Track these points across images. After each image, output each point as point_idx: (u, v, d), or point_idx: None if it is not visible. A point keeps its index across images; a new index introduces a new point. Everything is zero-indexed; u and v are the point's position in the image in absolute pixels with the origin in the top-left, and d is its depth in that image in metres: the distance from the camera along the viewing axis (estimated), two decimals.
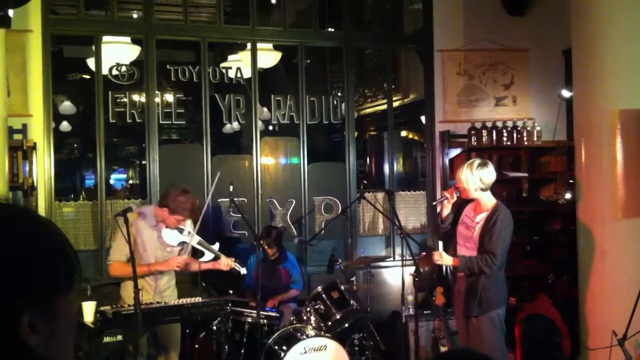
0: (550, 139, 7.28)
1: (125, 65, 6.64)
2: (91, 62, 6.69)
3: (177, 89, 7.21)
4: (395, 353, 6.16)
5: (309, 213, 7.10)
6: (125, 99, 6.55)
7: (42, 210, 5.96)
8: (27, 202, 5.71)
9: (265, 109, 7.51)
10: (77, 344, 4.37)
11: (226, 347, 5.21)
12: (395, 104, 8.16)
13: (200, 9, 8.08)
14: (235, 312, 5.49)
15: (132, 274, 4.53)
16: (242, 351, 5.41)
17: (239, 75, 6.95)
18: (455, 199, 4.95)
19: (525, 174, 7.15)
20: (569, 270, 6.03)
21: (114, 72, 6.55)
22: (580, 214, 5.72)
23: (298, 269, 6.46)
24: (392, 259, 7.09)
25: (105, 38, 6.61)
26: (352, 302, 5.62)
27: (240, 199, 6.54)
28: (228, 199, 5.98)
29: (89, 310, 4.58)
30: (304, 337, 5.17)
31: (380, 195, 7.21)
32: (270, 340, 5.26)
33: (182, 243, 4.98)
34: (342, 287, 5.68)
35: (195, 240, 5.00)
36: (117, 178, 12.30)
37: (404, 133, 10.52)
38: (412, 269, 5.41)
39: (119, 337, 4.47)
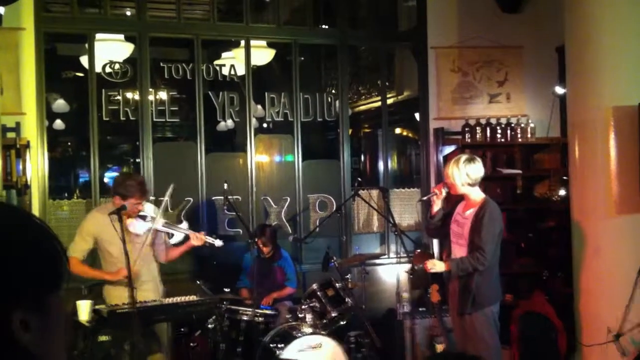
0: (544, 136, 7.29)
1: (119, 63, 6.62)
2: (84, 60, 6.66)
3: (171, 87, 7.19)
4: (391, 350, 6.16)
5: (304, 211, 7.10)
6: (118, 97, 6.53)
7: (36, 209, 5.95)
8: (21, 201, 5.70)
9: (259, 107, 7.50)
10: (72, 342, 4.36)
11: (222, 345, 5.20)
12: (389, 101, 8.17)
13: (193, 6, 8.05)
14: (231, 310, 5.48)
15: (87, 274, 4.61)
16: (238, 349, 5.40)
17: (232, 72, 6.93)
18: (444, 195, 5.03)
19: (520, 171, 7.16)
20: (564, 267, 6.05)
21: (108, 69, 6.52)
22: (574, 210, 5.74)
23: (293, 267, 6.46)
24: (387, 256, 7.09)
25: (98, 36, 6.58)
26: (347, 300, 5.62)
27: (234, 196, 6.53)
28: (222, 197, 5.98)
29: (84, 309, 4.56)
30: (300, 334, 5.17)
31: (374, 193, 7.21)
32: (266, 338, 5.26)
33: (149, 229, 4.96)
34: (337, 284, 5.68)
35: (160, 223, 4.99)
36: (111, 176, 12.26)
37: (398, 130, 10.53)
38: (407, 266, 5.42)
39: (111, 338, 4.47)
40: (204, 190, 6.68)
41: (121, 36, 6.88)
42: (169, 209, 6.47)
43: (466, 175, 4.82)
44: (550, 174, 7.11)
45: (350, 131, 7.47)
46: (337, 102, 7.25)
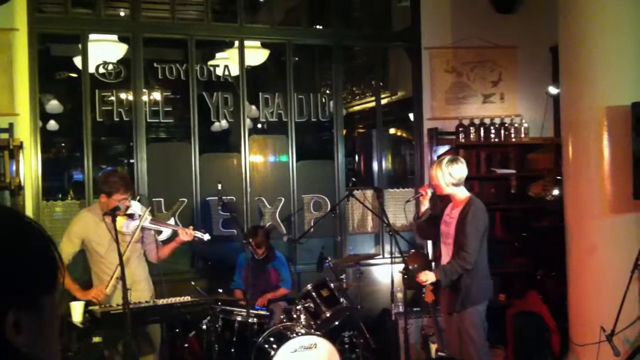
0: (538, 136, 7.30)
1: (113, 63, 6.61)
2: (78, 61, 6.64)
3: (165, 87, 7.18)
4: (385, 350, 6.17)
5: (298, 211, 7.10)
6: (112, 98, 6.51)
7: (29, 210, 5.93)
8: (15, 202, 5.68)
9: (253, 107, 7.50)
10: (66, 344, 4.35)
11: (216, 346, 5.20)
12: (383, 102, 8.16)
13: (187, 6, 8.04)
14: (225, 311, 5.48)
15: (66, 285, 4.60)
16: (232, 350, 5.40)
17: (227, 73, 6.93)
18: (429, 195, 5.16)
19: (514, 171, 7.18)
20: (558, 266, 6.06)
21: (101, 70, 6.51)
22: (568, 210, 5.76)
23: (287, 268, 6.46)
24: (381, 256, 7.10)
25: (92, 36, 6.57)
26: (342, 300, 5.62)
27: (229, 197, 6.53)
28: (217, 198, 5.97)
29: (77, 310, 4.56)
30: (294, 335, 5.17)
31: (369, 193, 7.21)
32: (260, 339, 5.26)
33: (136, 227, 4.96)
34: (332, 285, 5.69)
35: (147, 220, 4.98)
36: None
37: (392, 130, 10.53)
38: (401, 266, 5.43)
39: (101, 339, 4.46)
40: (198, 191, 6.68)
41: (115, 37, 6.87)
42: (163, 209, 6.47)
43: (449, 175, 4.92)
44: (544, 173, 7.12)
45: (344, 131, 7.47)
46: (332, 102, 7.26)
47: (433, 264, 6.08)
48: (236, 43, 7.01)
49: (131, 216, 4.89)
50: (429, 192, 5.13)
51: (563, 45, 5.79)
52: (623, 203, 5.32)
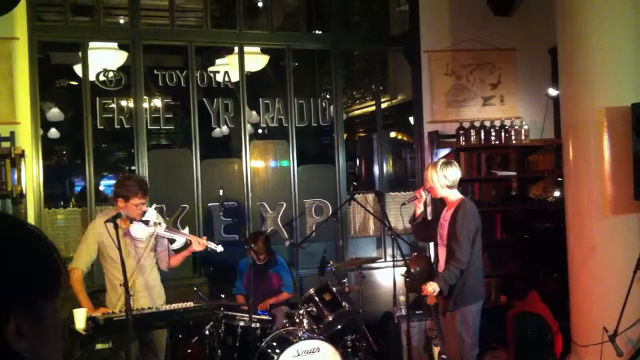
0: (538, 138, 7.32)
1: (113, 71, 6.63)
2: (78, 69, 6.67)
3: (165, 94, 7.19)
4: (388, 354, 6.17)
5: (300, 216, 7.11)
6: (113, 105, 6.53)
7: (31, 218, 5.94)
8: (16, 210, 5.69)
9: (254, 113, 7.51)
10: (68, 351, 4.35)
11: (219, 351, 5.20)
12: (383, 105, 8.18)
13: (187, 13, 8.07)
14: (228, 316, 5.49)
15: (78, 297, 4.60)
16: (235, 355, 5.40)
17: (227, 79, 6.95)
18: (424, 197, 5.27)
19: (514, 173, 7.18)
20: (559, 267, 6.06)
21: (102, 78, 6.53)
22: (569, 211, 5.76)
23: (289, 273, 6.46)
24: (383, 260, 7.10)
25: (92, 44, 6.59)
26: (344, 304, 5.63)
27: (230, 202, 6.54)
28: (218, 203, 5.98)
29: (80, 317, 4.55)
30: (297, 339, 5.17)
31: (370, 197, 7.22)
32: (263, 344, 5.26)
33: (151, 234, 4.96)
34: (334, 289, 5.69)
35: (162, 228, 4.98)
36: (106, 184, 12.27)
37: (393, 134, 10.55)
38: (403, 269, 5.45)
39: (111, 344, 4.45)
40: (200, 197, 6.69)
41: (115, 44, 6.89)
42: (165, 216, 6.48)
43: (444, 177, 5.02)
44: (544, 175, 7.14)
45: (345, 136, 7.49)
46: (332, 106, 7.27)
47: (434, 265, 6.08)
48: (236, 49, 7.03)
49: (146, 222, 4.89)
50: (424, 194, 5.25)
51: (562, 47, 5.80)
52: (624, 204, 5.33)
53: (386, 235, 7.07)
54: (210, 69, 7.23)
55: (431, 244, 6.73)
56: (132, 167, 7.20)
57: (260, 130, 8.27)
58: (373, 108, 7.95)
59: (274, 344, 5.24)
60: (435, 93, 7.34)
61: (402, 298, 6.17)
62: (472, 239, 4.92)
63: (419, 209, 5.32)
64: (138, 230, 4.89)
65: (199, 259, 6.77)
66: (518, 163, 7.26)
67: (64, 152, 11.39)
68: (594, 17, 5.46)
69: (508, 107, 7.49)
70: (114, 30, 7.05)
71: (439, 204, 5.44)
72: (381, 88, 8.26)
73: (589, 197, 5.51)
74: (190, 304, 4.84)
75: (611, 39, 5.39)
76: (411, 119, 7.81)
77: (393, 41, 8.02)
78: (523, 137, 7.16)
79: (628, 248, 5.19)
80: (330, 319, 5.51)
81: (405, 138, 10.27)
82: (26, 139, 6.00)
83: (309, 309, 5.49)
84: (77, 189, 10.67)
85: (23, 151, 5.82)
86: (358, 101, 10.26)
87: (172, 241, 5.12)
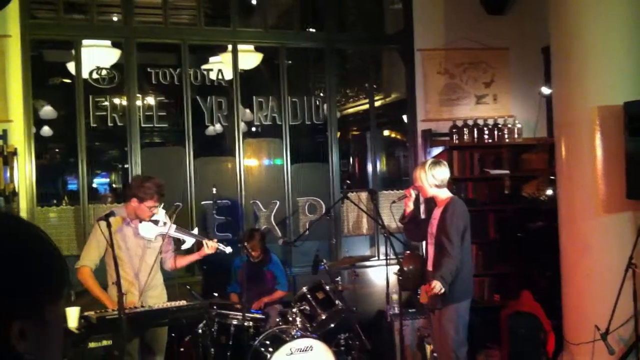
0: (531, 136, 7.33)
1: (106, 68, 6.62)
2: (71, 66, 6.65)
3: (159, 92, 7.18)
4: (381, 352, 6.18)
5: (293, 214, 7.11)
6: (106, 103, 6.52)
7: (24, 216, 5.92)
8: (9, 208, 5.67)
9: (247, 111, 7.51)
10: (62, 350, 4.34)
11: (212, 350, 5.20)
12: (377, 104, 8.19)
13: (180, 11, 8.04)
14: (221, 314, 5.48)
15: (92, 291, 4.58)
16: (228, 354, 5.39)
17: (220, 77, 6.94)
18: (413, 197, 5.38)
19: (507, 172, 7.19)
20: (552, 266, 6.08)
21: (95, 75, 6.52)
22: (562, 210, 5.78)
23: (282, 271, 6.46)
24: (376, 258, 7.11)
25: (85, 42, 6.57)
26: (337, 302, 5.63)
27: (224, 200, 6.54)
28: (211, 201, 5.97)
29: (72, 315, 4.54)
30: (290, 338, 5.18)
31: (363, 195, 7.23)
32: (256, 342, 5.25)
33: (160, 235, 4.95)
34: (327, 287, 5.69)
35: (172, 228, 4.97)
36: (99, 182, 12.25)
37: (386, 132, 10.55)
38: (396, 268, 5.46)
39: (104, 343, 4.43)
40: (193, 195, 6.68)
41: (108, 42, 6.87)
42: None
43: (432, 176, 5.09)
44: (537, 174, 7.15)
45: (338, 134, 7.49)
46: (325, 105, 7.27)
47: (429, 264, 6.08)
48: (229, 47, 7.02)
49: (155, 222, 4.88)
50: (413, 193, 5.33)
51: (554, 46, 5.81)
52: (616, 202, 5.35)
53: (379, 234, 7.08)
54: (204, 67, 7.22)
55: (424, 243, 6.77)
56: (126, 165, 7.19)
57: (253, 129, 8.26)
58: (367, 106, 7.95)
59: (267, 342, 5.24)
60: (429, 91, 7.35)
61: (395, 296, 6.18)
62: (462, 237, 4.97)
63: (409, 208, 5.39)
64: (147, 229, 4.89)
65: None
66: (511, 162, 7.27)
67: (57, 150, 11.36)
68: (587, 17, 5.47)
69: (501, 105, 7.51)
70: (107, 28, 7.03)
71: (432, 203, 5.45)
72: (375, 86, 8.25)
73: (582, 196, 5.52)
74: (183, 303, 4.84)
75: (604, 38, 5.40)
76: (405, 118, 7.82)
77: (387, 40, 8.03)
78: (516, 136, 7.18)
79: (620, 247, 5.21)
80: (324, 317, 5.51)
81: (398, 136, 10.28)
82: (19, 137, 5.99)
83: (302, 308, 5.49)
84: (70, 187, 10.64)
85: (16, 149, 5.81)
86: (352, 99, 10.27)
87: (182, 242, 5.10)
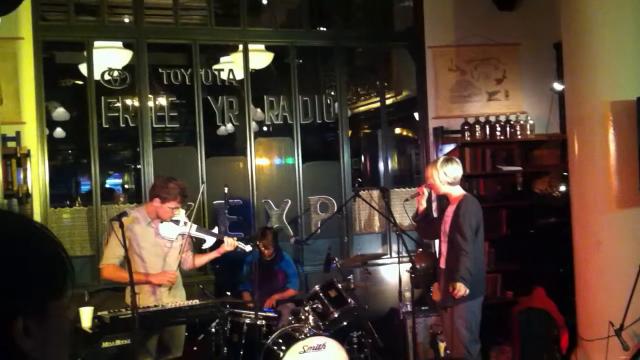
0: (543, 132, 7.30)
1: (117, 69, 6.65)
2: (83, 68, 6.69)
3: (170, 92, 7.21)
4: (393, 350, 6.17)
5: (305, 212, 7.11)
6: (118, 104, 6.56)
7: (37, 217, 5.96)
8: (22, 210, 5.72)
9: (258, 110, 7.52)
10: (74, 350, 4.36)
11: (225, 348, 5.22)
12: (388, 102, 8.18)
13: (190, 11, 8.07)
14: (233, 313, 5.50)
15: (125, 279, 4.55)
16: (241, 352, 5.41)
17: (231, 76, 6.96)
18: (426, 194, 5.39)
19: (519, 168, 7.16)
20: (565, 262, 6.05)
21: (106, 77, 6.55)
22: (574, 206, 5.74)
23: (294, 269, 6.47)
24: (388, 256, 7.10)
25: (96, 43, 6.61)
26: (349, 300, 5.63)
27: (235, 200, 6.55)
28: (223, 201, 5.98)
29: (86, 315, 4.56)
30: (303, 336, 5.18)
31: (375, 193, 7.22)
32: (268, 341, 5.27)
33: (181, 234, 4.97)
34: (339, 285, 5.69)
35: (193, 228, 4.98)
36: (112, 183, 12.30)
37: (397, 130, 10.54)
38: (409, 265, 5.46)
39: (118, 342, 4.45)
40: (205, 195, 6.69)
41: (119, 43, 6.91)
42: None
43: (444, 174, 5.09)
44: (550, 170, 7.11)
45: (349, 132, 7.49)
46: (336, 103, 7.27)
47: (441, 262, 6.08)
48: (240, 47, 7.03)
49: (176, 222, 4.90)
50: (426, 191, 5.33)
51: (566, 41, 5.78)
52: (629, 197, 5.31)
53: (391, 232, 7.07)
54: (215, 66, 7.24)
55: (436, 241, 6.76)
56: (138, 166, 7.22)
57: (265, 128, 8.27)
58: (377, 104, 7.95)
59: (280, 340, 5.25)
60: (440, 89, 7.33)
61: (407, 294, 6.17)
62: (475, 234, 4.97)
63: (422, 206, 5.38)
64: (168, 229, 4.91)
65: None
66: (523, 158, 7.24)
67: (70, 152, 11.43)
68: (598, 11, 5.44)
69: (513, 102, 7.48)
70: (118, 29, 7.07)
71: (445, 201, 5.44)
72: (385, 84, 8.24)
73: (595, 192, 5.49)
74: (196, 302, 4.85)
75: (616, 33, 5.37)
76: (416, 115, 7.80)
77: (397, 37, 8.02)
78: (528, 132, 7.14)
79: (633, 242, 5.19)
80: (336, 315, 5.51)
81: (409, 134, 10.26)
82: (32, 139, 6.03)
83: (315, 306, 5.50)
84: (83, 188, 10.70)
85: (29, 151, 5.85)
86: (362, 97, 10.26)
87: (203, 241, 5.12)
